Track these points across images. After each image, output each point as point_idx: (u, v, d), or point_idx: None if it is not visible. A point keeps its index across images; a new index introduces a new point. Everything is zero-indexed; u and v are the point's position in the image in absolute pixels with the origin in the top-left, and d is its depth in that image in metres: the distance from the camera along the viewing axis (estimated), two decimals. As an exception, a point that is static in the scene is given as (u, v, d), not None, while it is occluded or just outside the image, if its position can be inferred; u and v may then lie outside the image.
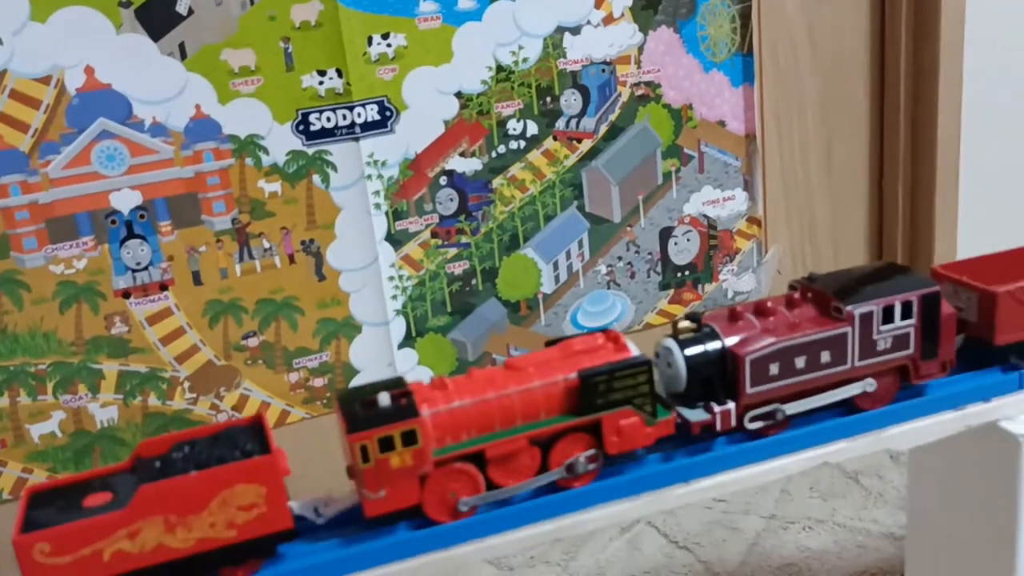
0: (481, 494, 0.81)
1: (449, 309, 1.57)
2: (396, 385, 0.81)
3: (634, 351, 0.85)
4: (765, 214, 1.76)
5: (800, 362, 0.87)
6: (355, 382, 1.54)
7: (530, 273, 1.61)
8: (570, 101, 1.56)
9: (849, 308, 0.88)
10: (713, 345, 0.87)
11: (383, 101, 1.45)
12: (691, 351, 0.87)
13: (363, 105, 1.44)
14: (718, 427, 0.86)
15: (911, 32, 1.72)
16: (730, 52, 1.65)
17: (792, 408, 0.88)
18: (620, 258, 1.67)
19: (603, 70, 1.57)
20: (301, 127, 1.42)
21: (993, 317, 0.94)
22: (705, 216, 1.71)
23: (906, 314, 0.89)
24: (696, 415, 0.86)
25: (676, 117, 1.64)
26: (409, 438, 0.77)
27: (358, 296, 1.51)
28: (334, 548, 0.80)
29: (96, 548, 0.72)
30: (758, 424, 0.87)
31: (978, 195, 1.81)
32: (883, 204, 1.85)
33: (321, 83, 1.41)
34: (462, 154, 1.52)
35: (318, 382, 1.52)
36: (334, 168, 1.45)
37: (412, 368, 1.56)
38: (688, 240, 1.71)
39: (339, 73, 1.41)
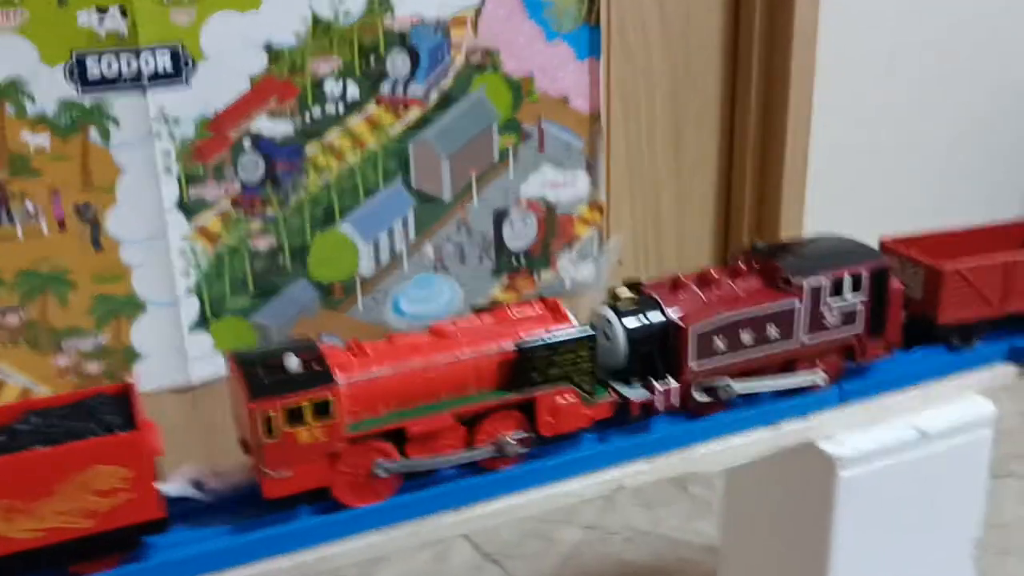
0: (400, 461, 0.71)
1: (251, 289, 1.40)
2: (305, 347, 0.70)
3: (574, 322, 0.78)
4: (608, 200, 1.66)
5: (747, 336, 0.81)
6: (139, 367, 1.36)
7: (346, 252, 1.46)
8: (397, 64, 1.41)
9: (799, 280, 0.82)
10: (655, 316, 0.80)
11: (177, 49, 1.26)
12: (632, 322, 0.80)
13: (152, 52, 1.25)
14: (658, 406, 0.79)
15: (765, 16, 1.64)
16: (576, 23, 1.52)
17: (742, 387, 0.82)
18: (449, 240, 1.53)
19: (435, 32, 1.43)
20: (75, 72, 1.22)
21: (938, 295, 0.89)
22: (544, 199, 1.59)
23: (855, 287, 0.84)
24: (636, 393, 0.79)
25: (515, 89, 1.51)
26: (321, 409, 0.67)
27: (143, 271, 1.33)
28: (218, 536, 0.69)
29: None
30: (707, 399, 0.81)
31: (826, 190, 1.75)
32: (731, 195, 1.77)
33: (101, 22, 1.21)
34: (270, 115, 1.35)
35: (93, 367, 1.33)
36: (115, 123, 1.26)
37: (206, 355, 1.38)
38: (525, 224, 1.59)
39: (123, 12, 1.22)
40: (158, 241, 1.32)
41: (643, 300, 0.81)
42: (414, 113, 1.44)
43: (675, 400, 0.80)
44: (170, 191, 1.31)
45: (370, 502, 0.71)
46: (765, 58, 1.66)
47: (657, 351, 0.80)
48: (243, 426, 0.71)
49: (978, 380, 0.91)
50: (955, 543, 0.92)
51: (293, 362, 0.68)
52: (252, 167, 1.35)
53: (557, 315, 0.78)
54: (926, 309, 0.91)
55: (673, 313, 0.80)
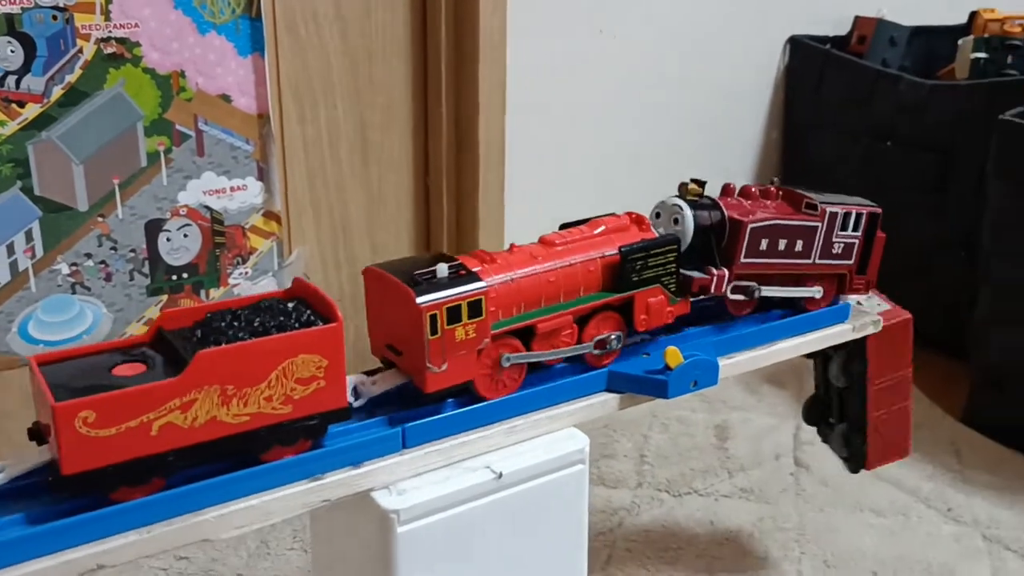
0: (526, 352, 0.80)
1: None
2: (443, 257, 0.77)
3: (656, 232, 0.87)
4: (287, 209, 1.52)
5: (782, 244, 0.93)
6: None
7: (-49, 271, 1.25)
8: (6, 53, 1.22)
9: (823, 205, 0.95)
10: (716, 212, 0.90)
11: None
12: (699, 212, 0.89)
13: None
14: (713, 289, 0.88)
15: (451, 14, 1.54)
16: (234, 14, 1.38)
17: (767, 291, 0.94)
18: (90, 255, 1.35)
19: (54, 17, 1.24)
20: None
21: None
22: (207, 208, 1.43)
23: (856, 225, 0.98)
24: (697, 274, 0.87)
25: (163, 85, 1.35)
26: (475, 309, 0.74)
27: None
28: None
29: (144, 420, 0.63)
30: (739, 296, 0.92)
31: (526, 187, 1.68)
32: (429, 202, 1.67)
33: None
34: None
35: None
36: None
37: None
38: (185, 236, 1.42)
39: None
40: None
41: (705, 197, 0.91)
42: (32, 110, 1.26)
43: (725, 287, 0.89)
44: None
45: (502, 394, 0.79)
46: (454, 58, 1.57)
47: (713, 242, 0.89)
48: (394, 332, 0.76)
49: (572, 412, 0.82)
50: (557, 592, 0.83)
51: (443, 269, 0.74)
52: None
53: (642, 226, 0.87)
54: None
55: (731, 211, 0.90)
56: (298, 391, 0.68)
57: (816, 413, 1.19)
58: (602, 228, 0.85)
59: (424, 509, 0.73)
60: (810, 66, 1.97)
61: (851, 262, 0.99)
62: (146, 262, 1.40)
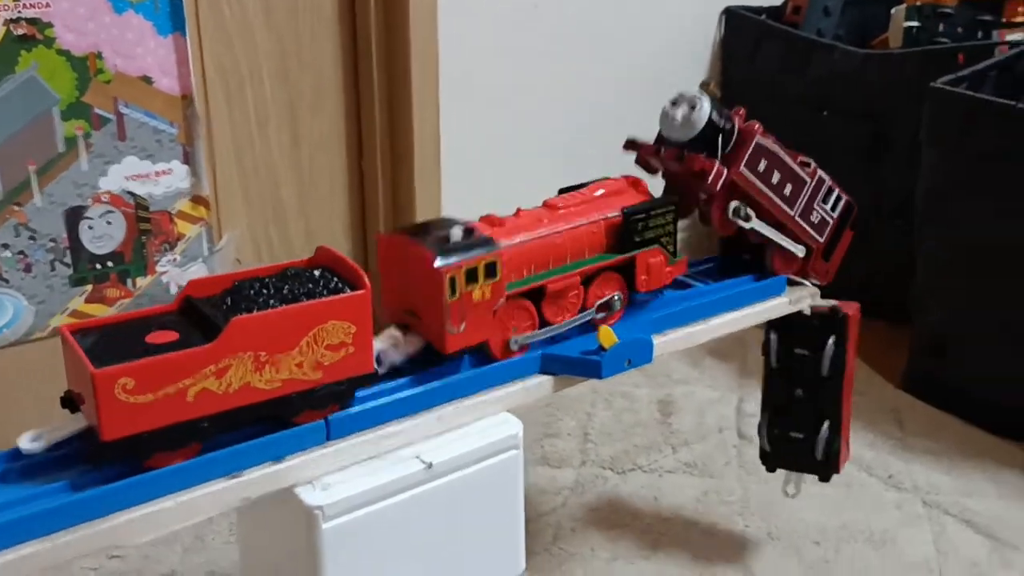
0: (536, 331, 0.82)
1: None
2: (454, 221, 0.78)
3: (652, 195, 0.89)
4: (216, 193, 1.47)
5: (776, 177, 0.93)
6: None
7: None
8: (-94, 36, 1.16)
9: (814, 165, 0.97)
10: (728, 120, 0.91)
11: None
12: (717, 108, 0.90)
13: None
14: (710, 179, 0.88)
15: (380, -9, 1.51)
16: (151, -9, 1.32)
17: (756, 224, 0.94)
18: (6, 246, 1.29)
19: (-43, -3, 1.18)
20: None
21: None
22: (131, 194, 1.38)
23: (836, 204, 1.00)
24: (699, 160, 0.88)
25: (80, 68, 1.29)
26: (490, 270, 0.76)
27: None
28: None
29: (181, 386, 0.63)
30: (737, 220, 0.93)
31: (462, 165, 1.65)
32: (364, 183, 1.63)
33: None
34: None
35: None
36: None
37: None
38: (109, 223, 1.37)
39: None
40: None
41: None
42: (-63, 96, 1.20)
43: (719, 185, 0.88)
44: None
45: (513, 356, 0.81)
46: (384, 34, 1.53)
47: (719, 145, 0.90)
48: (411, 296, 0.77)
49: (505, 396, 0.80)
50: (494, 580, 0.82)
51: (458, 232, 0.76)
52: None
53: (639, 188, 0.89)
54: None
55: (741, 123, 0.91)
56: (328, 357, 0.69)
57: (780, 431, 1.11)
58: (601, 191, 0.87)
59: (350, 504, 0.70)
60: (745, 37, 1.96)
61: (822, 240, 1.00)
62: (68, 251, 1.34)
